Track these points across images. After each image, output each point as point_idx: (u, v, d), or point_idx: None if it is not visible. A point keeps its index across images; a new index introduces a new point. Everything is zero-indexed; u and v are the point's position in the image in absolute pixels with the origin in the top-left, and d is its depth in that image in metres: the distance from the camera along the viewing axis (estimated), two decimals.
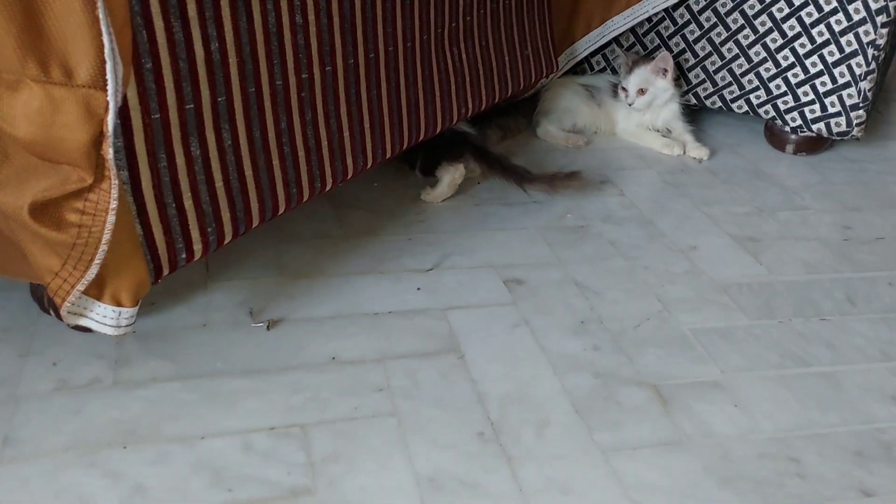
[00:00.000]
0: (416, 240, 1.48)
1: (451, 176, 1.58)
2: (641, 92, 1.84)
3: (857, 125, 1.80)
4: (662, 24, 1.92)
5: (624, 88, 1.86)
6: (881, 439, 1.08)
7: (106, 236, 0.92)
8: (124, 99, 0.92)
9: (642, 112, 1.88)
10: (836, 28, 1.72)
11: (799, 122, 1.86)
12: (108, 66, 0.83)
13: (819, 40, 1.75)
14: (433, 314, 1.28)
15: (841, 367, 1.22)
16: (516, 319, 1.28)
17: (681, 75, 1.93)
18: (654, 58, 1.84)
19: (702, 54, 1.90)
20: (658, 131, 1.92)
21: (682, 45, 1.91)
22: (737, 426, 1.09)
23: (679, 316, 1.31)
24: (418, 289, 1.34)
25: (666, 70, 1.82)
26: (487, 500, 0.95)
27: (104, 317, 1.01)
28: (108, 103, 0.85)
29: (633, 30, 1.95)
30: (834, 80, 1.77)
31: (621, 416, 1.09)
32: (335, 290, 1.31)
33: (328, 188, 1.25)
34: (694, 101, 1.97)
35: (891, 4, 1.65)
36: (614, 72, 2.02)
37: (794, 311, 1.34)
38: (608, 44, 1.99)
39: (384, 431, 1.04)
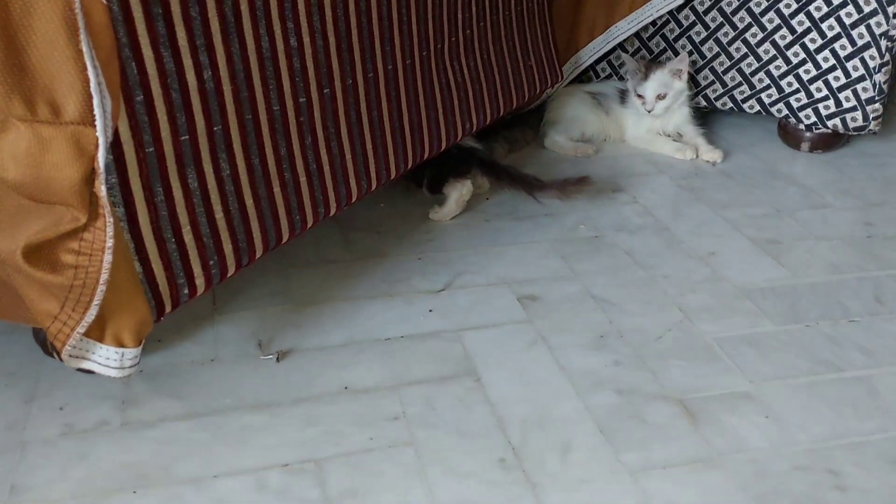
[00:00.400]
0: (425, 259, 1.44)
1: (458, 192, 1.54)
2: (660, 97, 1.79)
3: (874, 119, 1.75)
4: (667, 27, 1.88)
5: (640, 95, 1.80)
6: None
7: (104, 276, 0.89)
8: (116, 133, 0.90)
9: (653, 117, 1.84)
10: (847, 21, 1.68)
11: (813, 118, 1.81)
12: (96, 101, 0.80)
13: (830, 34, 1.71)
14: (447, 336, 1.24)
15: (875, 371, 1.17)
16: (533, 337, 1.24)
17: (689, 78, 1.89)
18: (660, 61, 1.80)
19: (709, 55, 1.86)
20: (669, 136, 1.88)
21: (689, 46, 1.87)
22: (770, 439, 1.04)
23: (702, 325, 1.26)
24: (430, 310, 1.30)
25: (681, 71, 1.78)
26: None
27: (107, 359, 0.98)
28: (97, 139, 0.83)
29: (637, 34, 1.92)
30: (847, 74, 1.73)
31: (648, 434, 1.05)
32: (345, 316, 1.28)
33: (332, 213, 1.22)
34: (704, 103, 1.93)
35: None
36: (620, 78, 1.99)
37: (821, 313, 1.29)
38: (613, 50, 1.95)
39: (402, 462, 1.00)
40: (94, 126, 0.82)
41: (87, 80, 0.80)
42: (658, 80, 1.78)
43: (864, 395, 1.12)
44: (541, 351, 1.21)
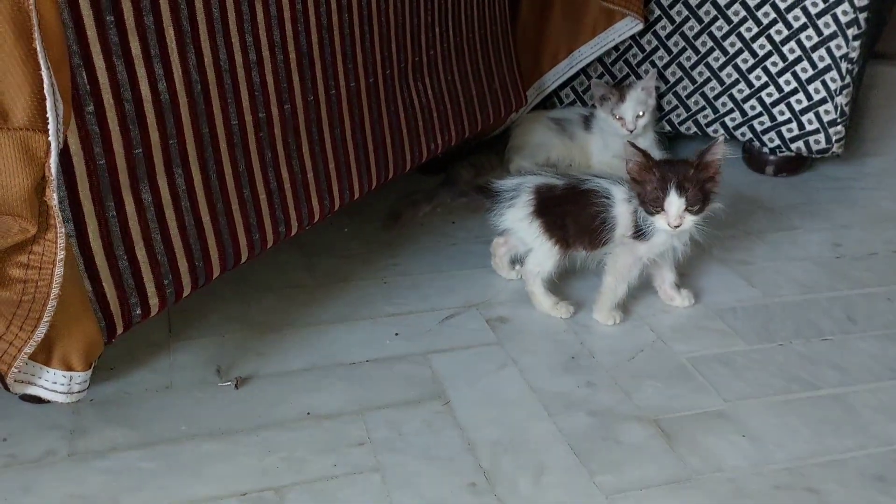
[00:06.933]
0: (391, 283, 1.40)
1: None
2: (639, 116, 1.77)
3: (837, 141, 1.76)
4: (630, 52, 1.89)
5: (620, 118, 1.78)
6: None
7: (54, 290, 0.84)
8: (65, 144, 0.85)
9: (622, 140, 1.82)
10: (808, 44, 1.69)
11: (777, 142, 1.82)
12: (49, 104, 0.76)
13: (791, 57, 1.72)
14: (414, 360, 1.20)
15: (850, 388, 1.15)
16: (503, 360, 1.20)
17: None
18: (628, 83, 1.79)
19: (672, 80, 1.87)
20: None
21: (652, 69, 1.87)
22: (748, 458, 1.01)
23: (674, 345, 1.24)
24: (396, 334, 1.26)
25: (651, 88, 1.77)
26: None
27: (54, 383, 0.93)
28: (49, 145, 0.78)
29: (600, 59, 1.92)
30: (809, 96, 1.74)
31: (623, 455, 1.01)
32: (308, 341, 1.23)
33: (294, 233, 1.18)
34: (668, 128, 1.93)
35: (861, 16, 1.63)
36: (584, 104, 1.98)
37: (793, 332, 1.28)
38: (577, 76, 1.95)
39: (367, 489, 0.96)
40: (45, 131, 0.78)
41: (37, 83, 0.76)
42: (635, 100, 1.76)
43: (841, 413, 1.10)
44: (511, 373, 1.17)
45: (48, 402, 0.95)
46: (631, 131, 1.76)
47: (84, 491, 0.94)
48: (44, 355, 0.91)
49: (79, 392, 0.94)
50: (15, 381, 0.92)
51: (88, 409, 1.07)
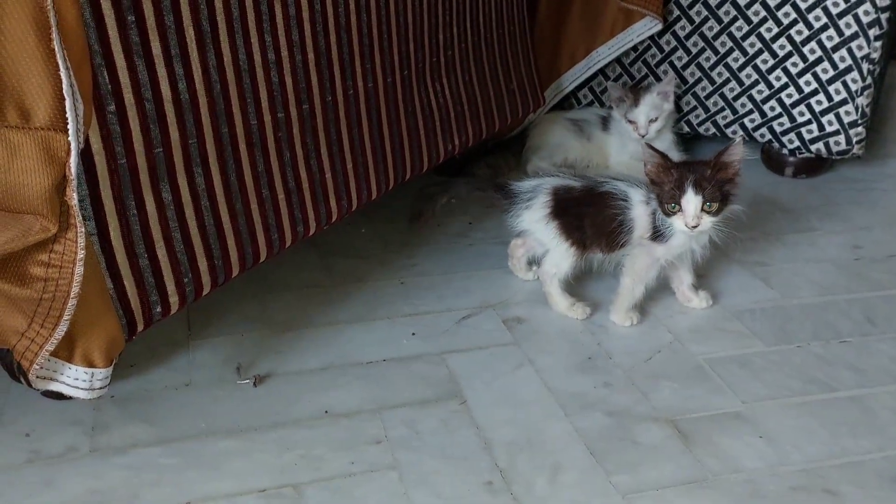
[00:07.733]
0: (408, 284, 1.41)
1: None
2: (652, 121, 1.77)
3: (858, 143, 1.75)
4: (649, 53, 1.88)
5: (632, 121, 1.77)
6: None
7: (75, 289, 0.86)
8: (87, 144, 0.87)
9: (637, 142, 1.82)
10: (828, 44, 1.68)
11: (797, 143, 1.81)
12: (68, 104, 0.77)
13: (811, 58, 1.71)
14: (430, 359, 1.20)
15: (868, 390, 1.14)
16: (519, 360, 1.20)
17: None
18: (644, 86, 1.79)
19: (691, 80, 1.86)
20: None
21: (671, 72, 1.87)
22: (765, 459, 1.01)
23: (692, 346, 1.23)
24: (413, 334, 1.26)
25: (668, 93, 1.76)
26: None
27: (76, 379, 0.94)
28: (69, 145, 0.80)
29: (618, 60, 1.92)
30: (830, 97, 1.73)
31: (640, 455, 1.01)
32: (325, 340, 1.24)
33: (312, 232, 1.18)
34: (687, 128, 1.92)
35: (882, 17, 1.62)
36: (602, 105, 1.98)
37: (812, 334, 1.27)
38: (594, 76, 1.95)
39: (384, 486, 0.96)
40: (66, 131, 0.79)
41: (58, 83, 0.77)
42: (649, 104, 1.75)
43: (859, 415, 1.09)
44: (528, 373, 1.17)
45: (70, 398, 0.96)
46: (643, 136, 1.76)
47: (104, 486, 0.95)
48: (66, 352, 0.93)
49: (100, 388, 0.96)
50: (37, 377, 0.93)
51: (109, 406, 1.08)
